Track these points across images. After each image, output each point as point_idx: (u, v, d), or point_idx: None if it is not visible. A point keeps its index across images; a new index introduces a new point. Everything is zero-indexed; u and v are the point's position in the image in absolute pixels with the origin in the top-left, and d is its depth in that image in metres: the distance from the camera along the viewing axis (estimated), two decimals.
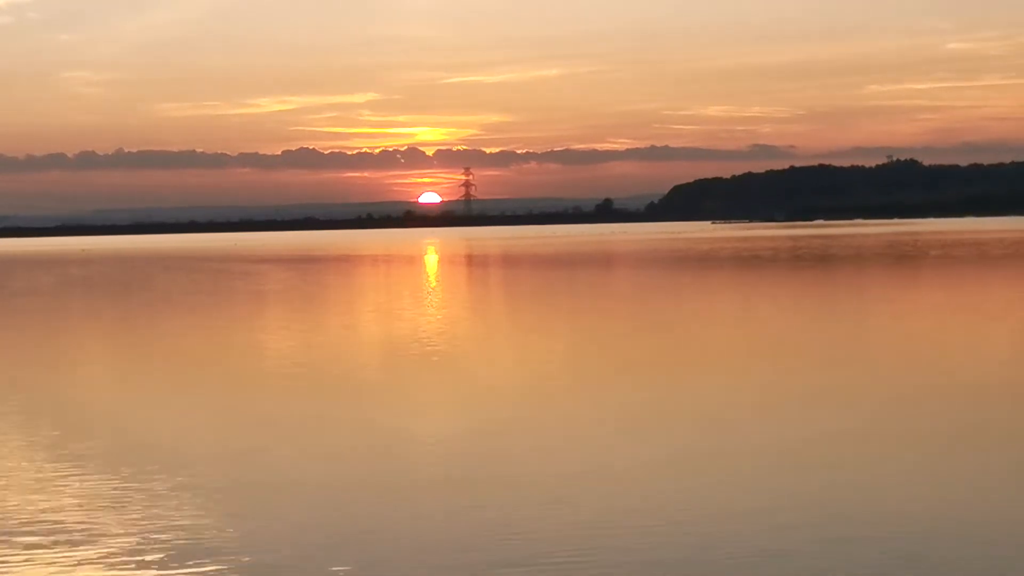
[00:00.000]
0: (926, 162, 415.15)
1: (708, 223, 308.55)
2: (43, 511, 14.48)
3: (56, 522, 13.94)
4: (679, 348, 31.14)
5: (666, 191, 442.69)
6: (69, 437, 19.37)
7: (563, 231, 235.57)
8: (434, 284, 66.72)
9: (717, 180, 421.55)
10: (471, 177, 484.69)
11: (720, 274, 68.64)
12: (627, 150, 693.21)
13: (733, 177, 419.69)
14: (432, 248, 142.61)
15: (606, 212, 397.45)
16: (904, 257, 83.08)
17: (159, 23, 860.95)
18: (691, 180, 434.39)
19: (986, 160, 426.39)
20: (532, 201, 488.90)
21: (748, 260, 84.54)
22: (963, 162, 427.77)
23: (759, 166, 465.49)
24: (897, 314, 39.82)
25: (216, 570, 12.02)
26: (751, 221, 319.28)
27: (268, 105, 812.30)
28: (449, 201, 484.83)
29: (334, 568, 12.07)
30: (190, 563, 12.25)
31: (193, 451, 18.06)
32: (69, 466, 17.06)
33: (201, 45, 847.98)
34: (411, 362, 28.86)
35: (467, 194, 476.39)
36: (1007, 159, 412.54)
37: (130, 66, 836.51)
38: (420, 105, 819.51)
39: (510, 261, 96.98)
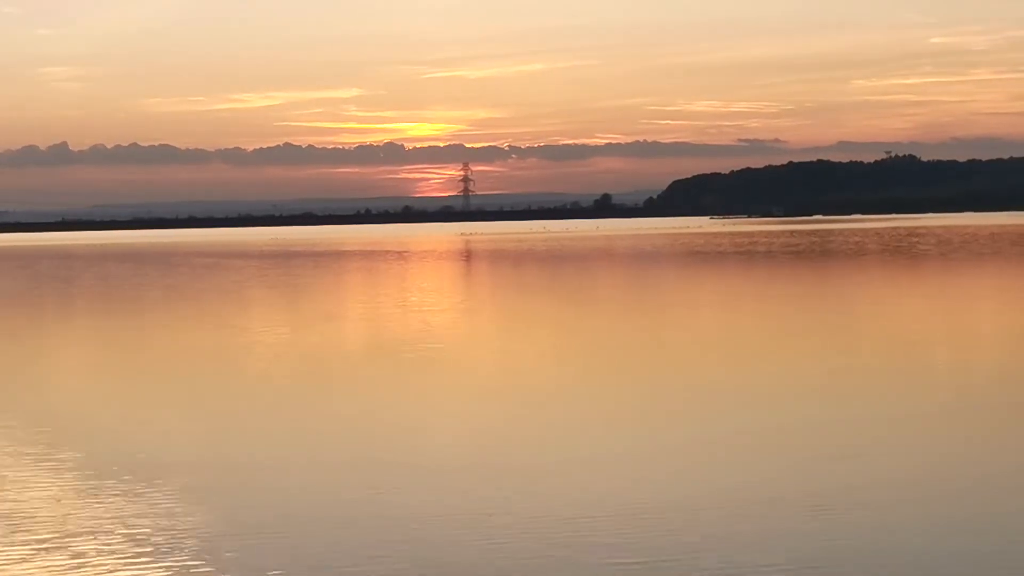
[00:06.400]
0: (917, 157, 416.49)
1: (707, 219, 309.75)
2: (18, 507, 14.73)
3: (29, 517, 14.18)
4: (703, 340, 32.64)
5: (656, 186, 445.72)
6: (51, 435, 19.43)
7: (564, 226, 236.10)
8: (470, 279, 68.43)
9: (715, 175, 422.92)
10: (469, 172, 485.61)
11: (730, 269, 70.37)
12: (615, 145, 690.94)
13: (731, 172, 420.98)
14: (451, 242, 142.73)
15: (605, 207, 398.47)
16: (907, 252, 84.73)
17: (140, 17, 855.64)
18: (688, 175, 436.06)
19: (976, 155, 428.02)
20: (526, 196, 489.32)
21: (758, 256, 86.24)
22: (953, 157, 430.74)
23: (747, 161, 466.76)
24: (917, 306, 42.25)
25: (197, 565, 12.32)
26: (750, 216, 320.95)
27: (253, 100, 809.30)
28: (448, 196, 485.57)
29: (325, 562, 12.36)
30: (171, 558, 12.50)
31: (186, 447, 18.46)
32: (47, 462, 17.26)
33: (184, 40, 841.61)
34: (456, 353, 30.60)
35: (466, 189, 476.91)
36: (997, 154, 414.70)
37: (112, 61, 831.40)
38: (405, 100, 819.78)
39: (532, 257, 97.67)
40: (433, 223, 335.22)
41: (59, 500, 15.10)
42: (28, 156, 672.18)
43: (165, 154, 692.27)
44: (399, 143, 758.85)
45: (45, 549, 13.00)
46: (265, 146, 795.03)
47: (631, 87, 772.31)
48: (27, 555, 12.83)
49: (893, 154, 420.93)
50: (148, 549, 12.93)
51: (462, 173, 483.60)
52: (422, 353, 29.76)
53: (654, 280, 61.55)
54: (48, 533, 13.60)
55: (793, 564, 12.09)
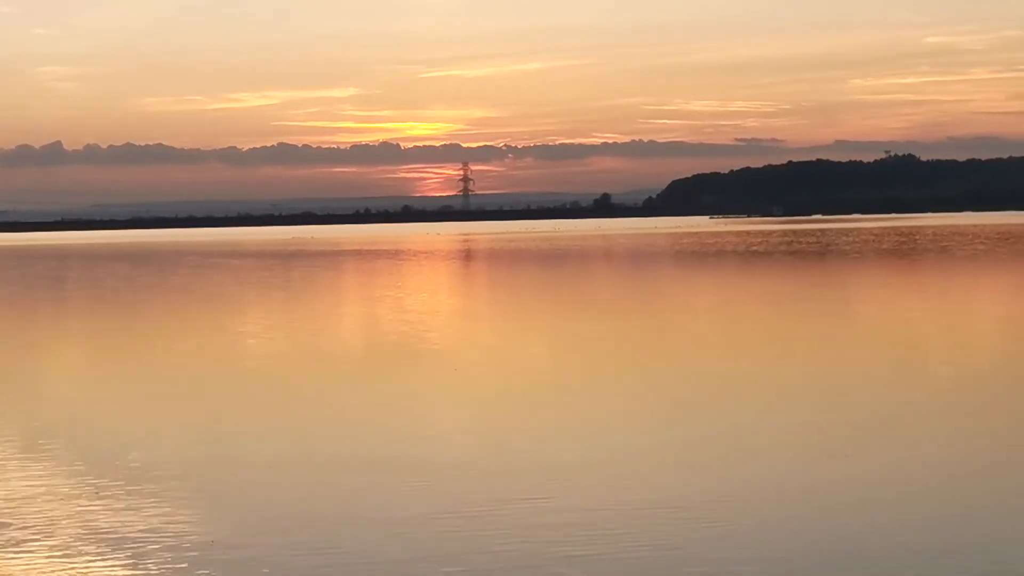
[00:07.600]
0: (916, 157, 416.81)
1: (707, 218, 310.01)
2: (15, 508, 14.73)
3: (28, 520, 14.17)
4: (714, 339, 32.92)
5: (653, 185, 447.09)
6: (50, 435, 19.38)
7: (566, 226, 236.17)
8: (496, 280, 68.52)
9: (715, 175, 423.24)
10: (469, 172, 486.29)
11: (734, 268, 70.57)
12: (611, 145, 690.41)
13: (731, 172, 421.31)
14: (455, 242, 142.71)
15: (605, 207, 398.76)
16: (914, 252, 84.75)
17: (136, 17, 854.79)
18: (686, 175, 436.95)
19: (974, 154, 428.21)
20: (524, 196, 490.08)
21: (769, 256, 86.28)
22: (951, 156, 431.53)
23: (745, 161, 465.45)
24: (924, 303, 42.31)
25: (197, 565, 12.35)
26: (750, 216, 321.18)
27: (249, 100, 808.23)
28: (446, 196, 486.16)
29: (316, 562, 12.41)
30: (170, 559, 12.56)
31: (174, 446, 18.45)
32: (45, 463, 17.26)
33: (179, 40, 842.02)
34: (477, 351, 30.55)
35: (466, 189, 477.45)
36: (995, 154, 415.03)
37: (107, 60, 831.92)
38: (402, 100, 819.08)
39: (542, 256, 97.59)
40: (433, 223, 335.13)
41: (57, 500, 15.03)
42: (22, 156, 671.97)
43: (161, 154, 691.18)
44: (395, 142, 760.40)
45: (42, 550, 12.96)
46: (261, 146, 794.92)
47: (628, 86, 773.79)
48: (24, 556, 12.79)
49: (892, 154, 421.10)
50: (147, 549, 12.90)
51: (460, 173, 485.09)
52: (424, 352, 29.70)
53: (660, 280, 61.45)
54: (46, 534, 13.56)
55: (793, 562, 12.12)
